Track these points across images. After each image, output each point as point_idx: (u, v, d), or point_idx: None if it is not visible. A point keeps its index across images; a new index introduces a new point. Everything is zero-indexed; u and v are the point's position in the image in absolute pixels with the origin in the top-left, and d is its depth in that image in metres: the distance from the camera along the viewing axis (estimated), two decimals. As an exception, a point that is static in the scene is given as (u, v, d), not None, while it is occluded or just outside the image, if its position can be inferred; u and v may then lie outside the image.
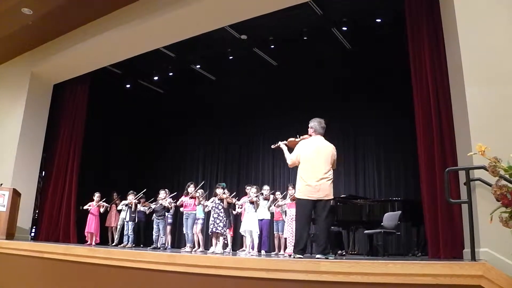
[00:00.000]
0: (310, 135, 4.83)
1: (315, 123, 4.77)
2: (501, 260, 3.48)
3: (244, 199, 7.34)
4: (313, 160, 4.57)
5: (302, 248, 4.45)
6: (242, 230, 7.10)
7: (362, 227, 7.24)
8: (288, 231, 6.94)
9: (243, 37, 8.87)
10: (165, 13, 7.22)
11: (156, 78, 10.87)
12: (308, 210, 4.53)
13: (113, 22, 7.96)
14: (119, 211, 8.72)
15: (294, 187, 5.68)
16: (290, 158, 4.79)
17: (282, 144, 5.05)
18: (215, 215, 6.80)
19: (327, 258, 4.15)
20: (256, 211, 7.01)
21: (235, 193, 7.95)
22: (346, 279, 3.25)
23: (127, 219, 8.28)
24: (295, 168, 4.83)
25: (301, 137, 4.91)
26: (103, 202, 8.63)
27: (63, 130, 9.66)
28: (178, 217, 8.85)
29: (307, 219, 4.57)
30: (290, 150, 4.95)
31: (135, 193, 8.37)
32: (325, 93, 9.74)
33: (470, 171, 3.78)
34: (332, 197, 4.58)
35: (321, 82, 9.79)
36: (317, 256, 4.27)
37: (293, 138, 5.00)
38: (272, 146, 5.32)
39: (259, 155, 10.95)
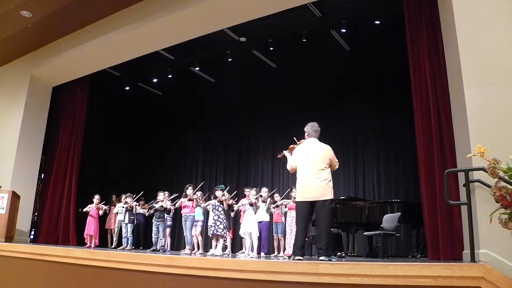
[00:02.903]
0: (305, 139, 4.92)
1: (307, 127, 4.89)
2: (500, 262, 3.47)
3: (243, 201, 7.33)
4: (305, 162, 4.64)
5: (299, 248, 4.45)
6: (241, 232, 7.10)
7: (361, 228, 7.26)
8: (288, 233, 6.94)
9: (242, 39, 8.88)
10: (164, 15, 7.22)
11: (155, 80, 10.88)
12: (305, 212, 4.56)
13: (112, 24, 7.96)
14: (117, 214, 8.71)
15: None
16: (289, 164, 4.93)
17: (286, 153, 5.18)
18: (215, 217, 6.80)
19: (330, 260, 4.15)
20: (255, 213, 7.02)
21: (235, 192, 7.96)
22: (346, 281, 3.25)
23: (126, 221, 8.28)
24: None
25: (298, 142, 5.02)
26: (102, 204, 8.63)
27: (62, 132, 9.65)
28: (177, 219, 8.84)
29: (304, 221, 4.59)
30: None
31: (132, 195, 8.36)
32: (324, 94, 9.76)
33: (469, 173, 3.78)
34: (331, 197, 4.55)
35: (320, 84, 9.80)
36: (321, 258, 4.26)
37: (292, 145, 5.11)
38: (278, 156, 5.48)
39: (258, 157, 10.96)
